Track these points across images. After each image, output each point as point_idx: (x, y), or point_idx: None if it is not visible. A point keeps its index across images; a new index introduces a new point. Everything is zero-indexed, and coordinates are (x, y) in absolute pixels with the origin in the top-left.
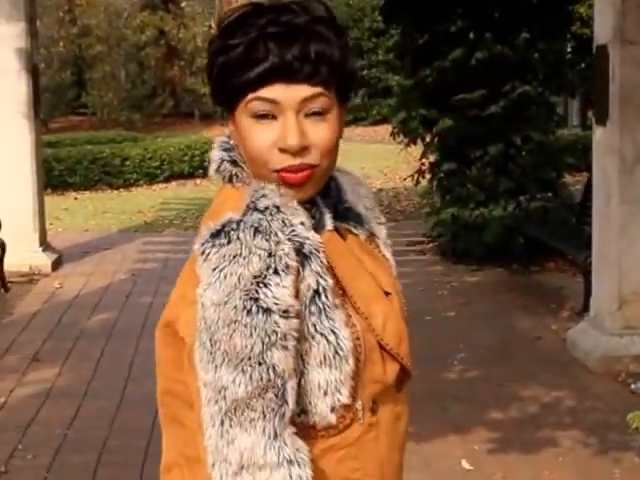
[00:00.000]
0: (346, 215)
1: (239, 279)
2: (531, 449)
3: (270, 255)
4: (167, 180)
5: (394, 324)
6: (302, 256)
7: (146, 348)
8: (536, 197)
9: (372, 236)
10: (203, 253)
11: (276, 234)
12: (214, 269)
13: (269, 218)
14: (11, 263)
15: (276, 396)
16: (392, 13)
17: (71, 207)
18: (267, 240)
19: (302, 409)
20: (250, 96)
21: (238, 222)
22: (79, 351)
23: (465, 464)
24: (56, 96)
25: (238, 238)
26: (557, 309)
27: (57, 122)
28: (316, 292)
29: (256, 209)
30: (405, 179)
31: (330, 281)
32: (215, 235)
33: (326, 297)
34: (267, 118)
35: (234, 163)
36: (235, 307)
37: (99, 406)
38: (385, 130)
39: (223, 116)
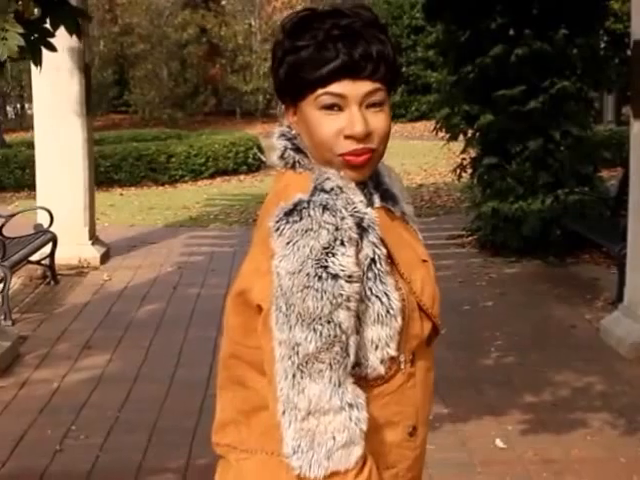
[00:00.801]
0: (385, 195)
1: (311, 250)
2: (562, 430)
3: (337, 229)
4: (212, 176)
5: (429, 288)
6: (361, 229)
7: (194, 336)
8: (574, 191)
9: (403, 213)
10: (277, 229)
11: (341, 211)
12: (288, 242)
13: (334, 197)
14: (61, 256)
15: (341, 349)
16: (435, 11)
17: (117, 203)
18: (334, 216)
19: (356, 362)
20: (320, 91)
21: (308, 201)
22: (129, 339)
23: (499, 443)
24: (98, 94)
25: (309, 215)
26: (592, 299)
27: (99, 120)
28: (372, 260)
29: (323, 190)
30: (446, 174)
31: (384, 250)
32: (288, 213)
33: (380, 264)
34: (334, 109)
35: (297, 150)
36: (308, 274)
37: (149, 390)
38: (424, 126)
39: (264, 114)
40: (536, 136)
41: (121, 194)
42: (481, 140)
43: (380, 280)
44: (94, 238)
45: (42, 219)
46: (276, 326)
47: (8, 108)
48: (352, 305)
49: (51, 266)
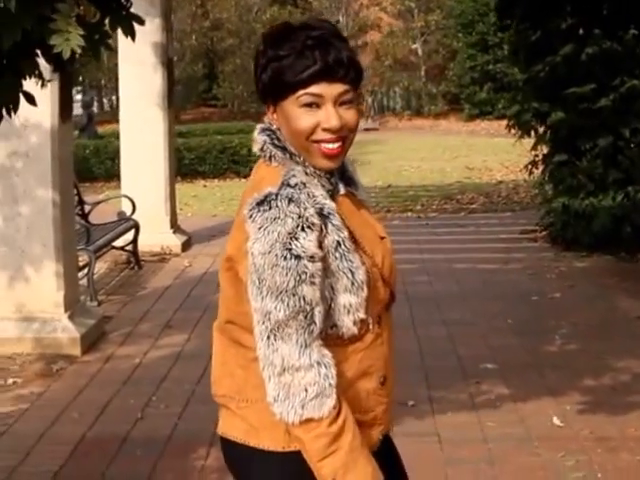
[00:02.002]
0: (349, 182)
1: (278, 235)
2: (619, 411)
3: (299, 217)
4: None
5: (388, 260)
6: (322, 217)
7: None
8: None
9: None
10: (251, 217)
11: (304, 203)
12: (259, 228)
13: (298, 191)
14: (145, 244)
15: (305, 318)
16: (507, 10)
17: (200, 194)
18: (297, 207)
19: (333, 324)
20: (301, 92)
21: (276, 194)
22: (207, 320)
23: (556, 421)
24: (188, 88)
25: (277, 206)
26: None
27: (189, 113)
28: (337, 243)
29: (289, 185)
30: (520, 170)
31: (346, 233)
32: (259, 203)
33: (344, 245)
34: (312, 107)
35: (275, 145)
36: (276, 255)
37: None
38: None
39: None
40: (606, 133)
41: (204, 185)
42: (552, 137)
43: (346, 258)
44: (175, 227)
45: (127, 207)
46: (252, 297)
47: (104, 100)
48: (316, 280)
49: (134, 252)
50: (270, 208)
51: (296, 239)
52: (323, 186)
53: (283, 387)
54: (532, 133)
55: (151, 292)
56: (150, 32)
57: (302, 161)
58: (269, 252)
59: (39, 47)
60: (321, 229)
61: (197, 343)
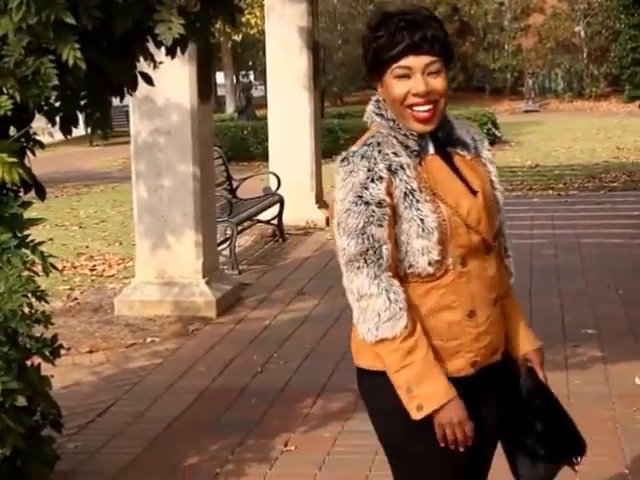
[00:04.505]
0: (455, 143)
1: (352, 185)
2: None
3: (369, 170)
4: None
5: (475, 210)
6: (391, 172)
7: None
8: None
9: (478, 157)
10: (337, 170)
11: (375, 158)
12: (341, 179)
13: (371, 149)
14: (290, 217)
15: (374, 253)
16: None
17: None
18: (368, 162)
19: (410, 264)
20: (394, 66)
21: (354, 152)
22: (339, 287)
23: (637, 381)
24: (352, 71)
25: (352, 161)
26: None
27: (354, 96)
28: (405, 193)
29: (365, 144)
30: None
31: (415, 185)
32: (343, 160)
33: (412, 196)
34: (404, 78)
35: (376, 113)
36: (349, 201)
37: (347, 328)
38: None
39: (513, 91)
40: None
41: None
42: None
43: (414, 207)
44: (321, 202)
45: (273, 184)
46: (335, 236)
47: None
48: (383, 223)
49: (279, 225)
50: (348, 163)
51: (366, 188)
52: (407, 147)
53: (361, 312)
54: None
55: (290, 262)
56: (296, 16)
57: (397, 126)
58: (345, 199)
59: (149, 34)
60: (390, 181)
61: (325, 308)
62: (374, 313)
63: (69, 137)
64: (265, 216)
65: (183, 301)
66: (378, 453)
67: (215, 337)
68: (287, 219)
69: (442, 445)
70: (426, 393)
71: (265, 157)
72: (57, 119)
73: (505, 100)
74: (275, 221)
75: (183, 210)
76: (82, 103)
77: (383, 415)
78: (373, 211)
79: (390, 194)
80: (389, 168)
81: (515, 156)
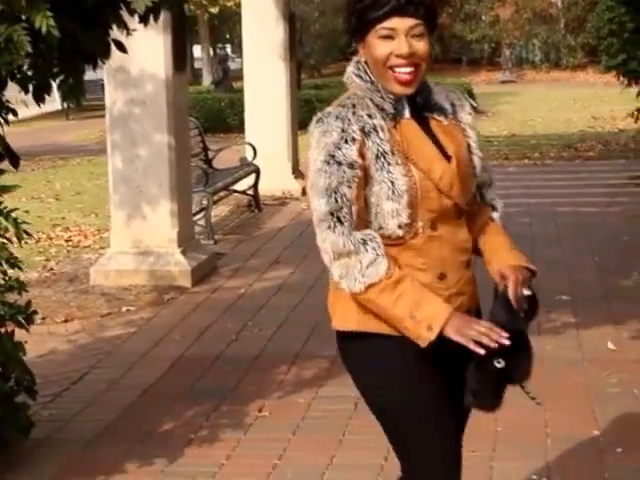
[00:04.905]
0: (433, 108)
1: (325, 144)
2: None
3: (343, 131)
4: None
5: (448, 176)
6: (364, 133)
7: None
8: None
9: (457, 122)
10: (311, 130)
11: (349, 119)
12: (315, 140)
13: (345, 110)
14: (267, 187)
15: (346, 212)
16: None
17: None
18: (342, 123)
19: (380, 226)
20: (378, 26)
21: (329, 112)
22: (314, 257)
23: (610, 345)
24: (329, 43)
25: (327, 122)
26: None
27: (330, 67)
28: (377, 155)
29: (340, 105)
30: (625, 118)
31: (387, 148)
32: (317, 120)
33: (384, 158)
34: (388, 39)
35: (355, 74)
36: (322, 161)
37: (321, 296)
38: None
39: (490, 62)
40: None
41: None
42: None
43: (386, 169)
44: (297, 172)
45: (250, 154)
46: (309, 196)
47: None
48: (353, 185)
49: (255, 195)
50: (323, 124)
51: (339, 149)
52: (383, 109)
53: (341, 267)
54: None
55: (266, 232)
56: None
57: (375, 87)
58: (317, 159)
59: (122, 1)
60: (363, 142)
61: (300, 276)
62: (356, 262)
63: (42, 105)
64: (241, 186)
65: (158, 270)
66: (352, 418)
67: (190, 306)
68: (263, 189)
69: (483, 353)
70: (429, 314)
71: (242, 129)
72: (30, 87)
73: (482, 71)
74: (251, 191)
75: (158, 180)
76: (55, 71)
77: (363, 370)
78: (344, 171)
79: (362, 155)
80: (362, 130)
81: (492, 126)
